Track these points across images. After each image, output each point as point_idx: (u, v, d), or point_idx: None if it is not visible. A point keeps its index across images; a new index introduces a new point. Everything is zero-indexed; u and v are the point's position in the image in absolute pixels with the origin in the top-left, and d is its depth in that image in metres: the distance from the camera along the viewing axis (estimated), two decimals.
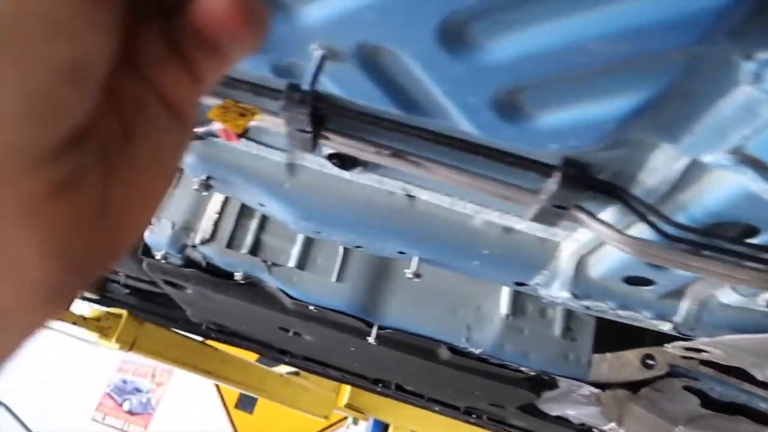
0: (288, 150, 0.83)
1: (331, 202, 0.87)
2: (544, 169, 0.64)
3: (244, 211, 1.35)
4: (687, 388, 1.57)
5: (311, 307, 1.42)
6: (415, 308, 1.41)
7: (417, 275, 0.92)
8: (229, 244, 1.34)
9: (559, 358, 1.44)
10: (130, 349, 2.22)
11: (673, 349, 1.43)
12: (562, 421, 1.96)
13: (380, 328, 1.43)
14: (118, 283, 2.05)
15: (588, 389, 1.50)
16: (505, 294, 1.41)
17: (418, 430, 3.46)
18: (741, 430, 1.79)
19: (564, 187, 0.62)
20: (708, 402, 1.62)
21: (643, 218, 0.61)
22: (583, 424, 1.95)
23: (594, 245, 0.84)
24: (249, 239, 1.34)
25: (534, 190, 0.68)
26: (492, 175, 0.69)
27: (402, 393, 2.36)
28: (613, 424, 1.85)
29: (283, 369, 2.93)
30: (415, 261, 0.92)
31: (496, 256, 0.88)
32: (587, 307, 0.92)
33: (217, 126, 0.73)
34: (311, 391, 2.92)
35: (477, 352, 1.42)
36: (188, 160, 0.88)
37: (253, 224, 1.35)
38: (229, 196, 0.98)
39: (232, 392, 5.34)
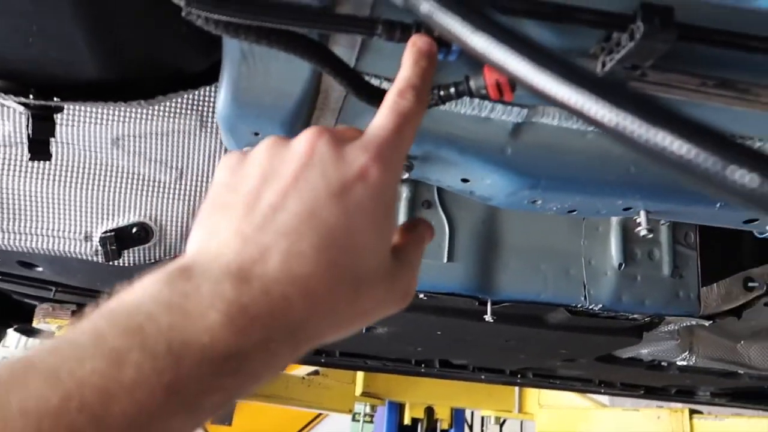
0: (528, 104, 0.68)
1: (564, 163, 0.74)
2: None
3: None
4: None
5: (421, 295, 1.28)
6: (528, 276, 1.31)
7: (651, 231, 0.81)
8: None
9: (672, 298, 1.40)
10: None
11: None
12: (632, 361, 1.95)
13: (494, 303, 1.32)
14: None
15: (695, 322, 1.48)
16: (614, 242, 1.34)
17: (433, 403, 3.41)
18: None
19: None
20: None
21: None
22: (653, 361, 1.96)
23: None
24: None
25: None
26: None
27: (447, 369, 2.27)
28: (685, 354, 1.87)
29: (302, 371, 2.75)
30: (643, 216, 0.81)
31: None
32: None
33: (488, 81, 0.58)
34: (333, 388, 2.77)
35: (597, 308, 1.35)
36: None
37: None
38: (418, 178, 0.81)
39: None
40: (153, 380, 0.30)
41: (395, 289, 0.42)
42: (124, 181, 1.16)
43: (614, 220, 1.34)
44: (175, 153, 1.14)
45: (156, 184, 1.16)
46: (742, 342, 1.91)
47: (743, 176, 0.23)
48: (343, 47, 0.61)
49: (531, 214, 1.32)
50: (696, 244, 1.42)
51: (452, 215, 1.27)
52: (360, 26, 0.53)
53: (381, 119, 0.42)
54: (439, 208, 1.26)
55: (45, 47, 0.57)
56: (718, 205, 0.79)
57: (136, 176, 1.16)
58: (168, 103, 1.07)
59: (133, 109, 1.07)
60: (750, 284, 1.48)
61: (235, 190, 0.40)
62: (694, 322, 1.49)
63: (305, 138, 0.40)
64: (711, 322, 1.47)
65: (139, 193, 1.16)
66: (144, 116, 1.08)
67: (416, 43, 0.49)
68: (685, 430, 2.62)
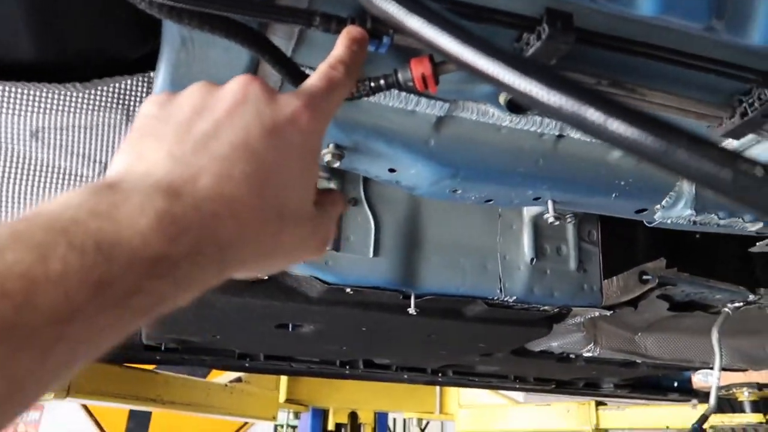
0: (450, 99, 0.75)
1: (481, 155, 0.81)
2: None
3: None
4: (660, 296, 1.76)
5: (348, 290, 1.32)
6: (448, 270, 1.38)
7: (558, 219, 0.90)
8: None
9: (578, 290, 1.52)
10: (67, 395, 1.87)
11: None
12: (544, 354, 2.08)
13: (417, 297, 1.38)
14: None
15: (598, 313, 1.61)
16: (526, 238, 1.44)
17: (357, 407, 3.44)
18: (687, 324, 2.06)
19: None
20: (674, 304, 1.84)
21: None
22: (562, 353, 2.09)
23: None
24: None
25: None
26: (695, 93, 0.70)
27: (371, 370, 2.31)
28: (590, 345, 2.02)
29: (224, 378, 2.70)
30: (551, 205, 0.90)
31: (631, 186, 0.89)
32: (695, 222, 0.98)
33: (414, 74, 0.64)
34: (256, 395, 2.74)
35: (511, 301, 1.44)
36: None
37: None
38: (347, 169, 0.85)
39: (119, 424, 4.85)
40: (81, 275, 0.29)
41: (315, 234, 0.46)
42: (43, 174, 1.13)
43: (526, 218, 1.44)
44: (99, 147, 1.12)
45: (78, 178, 1.14)
46: (639, 333, 2.09)
47: (619, 127, 0.29)
48: (281, 38, 0.65)
49: (451, 211, 1.40)
50: (598, 241, 1.55)
51: (377, 212, 1.33)
52: (299, 17, 0.57)
53: (313, 80, 0.47)
54: (365, 205, 1.31)
55: None
56: (613, 195, 0.90)
57: (56, 170, 1.13)
58: (93, 96, 1.05)
59: (55, 100, 1.05)
60: (644, 277, 1.63)
61: (166, 121, 0.41)
62: (597, 313, 1.62)
63: (238, 81, 0.43)
64: (611, 312, 1.61)
65: (59, 187, 1.13)
66: (67, 108, 1.06)
67: (350, 31, 0.54)
68: (592, 420, 2.80)
